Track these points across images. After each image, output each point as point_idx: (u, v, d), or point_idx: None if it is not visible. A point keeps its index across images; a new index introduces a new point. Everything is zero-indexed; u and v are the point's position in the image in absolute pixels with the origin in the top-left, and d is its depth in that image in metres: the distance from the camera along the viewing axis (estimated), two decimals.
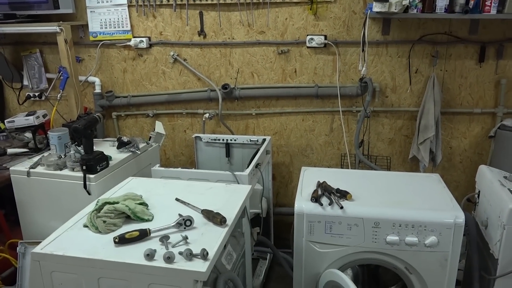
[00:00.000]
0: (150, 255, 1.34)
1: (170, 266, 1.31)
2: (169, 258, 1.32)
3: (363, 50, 2.50)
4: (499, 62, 2.55)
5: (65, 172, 2.14)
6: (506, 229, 1.65)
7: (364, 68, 2.45)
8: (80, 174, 2.09)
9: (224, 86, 2.90)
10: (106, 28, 3.03)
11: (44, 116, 2.76)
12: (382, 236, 1.71)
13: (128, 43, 3.00)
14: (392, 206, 1.75)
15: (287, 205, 3.17)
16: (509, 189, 1.76)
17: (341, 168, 2.92)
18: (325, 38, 2.70)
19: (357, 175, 2.12)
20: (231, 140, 2.86)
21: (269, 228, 2.93)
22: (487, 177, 1.91)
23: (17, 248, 2.12)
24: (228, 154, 2.90)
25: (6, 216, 2.51)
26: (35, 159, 2.31)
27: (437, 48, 2.60)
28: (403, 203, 1.77)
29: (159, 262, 1.33)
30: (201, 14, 2.85)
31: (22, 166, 2.23)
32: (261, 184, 2.58)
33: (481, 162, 2.75)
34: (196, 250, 1.36)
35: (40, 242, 2.11)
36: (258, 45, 2.84)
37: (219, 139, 2.87)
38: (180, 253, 1.36)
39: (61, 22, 2.80)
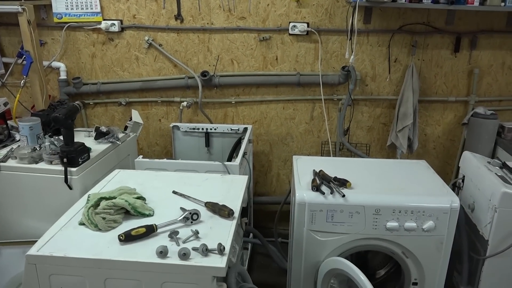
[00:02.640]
0: (163, 252, 1.26)
1: (186, 263, 1.24)
2: (185, 255, 1.25)
3: (350, 38, 2.50)
4: (472, 53, 2.67)
5: (42, 165, 1.96)
6: (498, 212, 1.73)
7: (352, 57, 2.46)
8: (59, 167, 1.93)
9: (203, 73, 2.80)
10: (72, 9, 2.80)
11: (5, 104, 2.50)
12: (382, 222, 1.74)
13: (97, 26, 2.79)
14: (391, 193, 1.78)
15: (266, 194, 3.15)
16: (496, 174, 1.85)
17: (321, 156, 2.94)
18: (308, 26, 2.68)
19: (349, 163, 2.14)
20: (211, 129, 2.78)
21: (249, 217, 2.90)
22: (473, 162, 2.00)
23: None
24: (207, 143, 2.82)
25: None
26: (3, 151, 2.10)
27: (416, 38, 2.67)
28: (401, 189, 1.81)
29: (173, 259, 1.25)
30: None
31: None
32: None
33: (453, 148, 2.89)
34: (208, 245, 1.30)
35: (16, 242, 1.95)
36: (239, 31, 2.76)
37: (198, 128, 2.78)
38: (195, 249, 1.29)
39: (23, 1, 2.55)
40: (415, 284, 1.84)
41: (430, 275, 1.81)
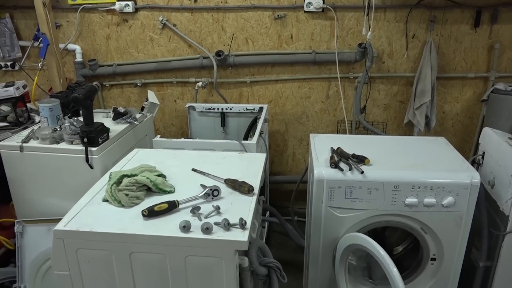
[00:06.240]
0: (186, 227, 1.28)
1: (209, 237, 1.26)
2: (207, 229, 1.27)
3: (367, 14, 2.46)
4: (493, 27, 2.60)
5: (63, 145, 2.00)
6: None
7: (369, 33, 2.42)
8: (80, 147, 1.96)
9: (218, 53, 2.79)
10: None
11: (24, 87, 2.54)
12: (401, 198, 1.73)
13: (111, 7, 2.79)
14: (410, 169, 1.77)
15: (282, 174, 3.17)
16: None
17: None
18: (323, 2, 2.63)
19: (367, 140, 2.13)
20: (226, 109, 2.78)
21: (266, 196, 2.93)
22: (494, 138, 1.97)
23: (15, 228, 1.99)
24: (223, 123, 2.82)
25: None
26: (25, 133, 2.14)
27: (434, 13, 2.60)
28: (420, 166, 1.80)
29: (196, 234, 1.28)
30: None
31: (12, 141, 2.06)
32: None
33: (471, 126, 2.85)
34: (230, 220, 1.31)
35: (40, 220, 2.01)
36: (253, 9, 2.73)
37: (213, 108, 2.79)
38: (217, 224, 1.31)
39: None
40: (433, 259, 1.85)
41: (449, 251, 1.81)
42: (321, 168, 1.77)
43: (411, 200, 1.73)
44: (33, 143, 2.04)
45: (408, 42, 2.69)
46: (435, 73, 2.62)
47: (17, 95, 2.48)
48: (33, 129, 2.16)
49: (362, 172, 1.73)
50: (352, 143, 2.00)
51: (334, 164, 1.78)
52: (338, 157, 1.85)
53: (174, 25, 2.82)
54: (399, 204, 1.75)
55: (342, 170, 1.75)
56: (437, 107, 2.78)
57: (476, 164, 2.12)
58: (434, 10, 2.60)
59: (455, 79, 2.76)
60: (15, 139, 2.07)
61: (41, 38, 2.62)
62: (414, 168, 1.78)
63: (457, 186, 1.70)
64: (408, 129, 2.89)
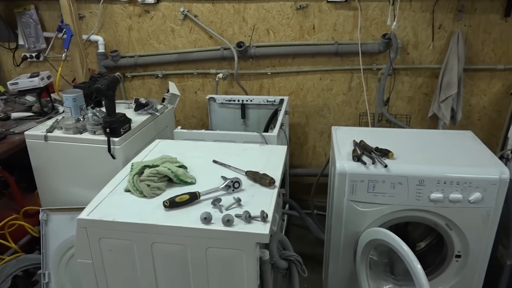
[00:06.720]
0: (207, 219, 1.28)
1: (230, 229, 1.26)
2: (228, 221, 1.27)
3: (392, 4, 2.39)
4: None
5: (86, 135, 2.02)
6: None
7: (394, 23, 2.35)
8: (103, 137, 1.98)
9: (239, 44, 2.77)
10: None
11: (48, 77, 2.58)
12: (426, 193, 1.69)
13: None
14: (435, 163, 1.72)
15: (302, 166, 3.14)
16: None
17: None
18: None
19: (390, 133, 2.08)
20: (247, 100, 2.76)
21: (286, 189, 2.91)
22: None
23: (40, 216, 2.03)
24: (243, 115, 2.81)
25: (17, 184, 2.39)
26: (49, 122, 2.18)
27: (463, 2, 2.51)
28: (445, 160, 1.74)
29: (217, 226, 1.27)
30: None
31: (37, 130, 2.10)
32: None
33: (499, 120, 2.76)
34: (251, 212, 1.30)
35: (64, 208, 2.04)
36: (275, 0, 2.69)
37: (234, 100, 2.78)
38: (238, 216, 1.30)
39: None
40: (458, 256, 1.80)
41: (475, 248, 1.76)
42: (343, 162, 1.74)
43: (436, 195, 1.68)
44: (57, 133, 2.07)
45: (434, 32, 2.60)
46: (462, 65, 2.53)
47: (41, 86, 2.53)
48: (57, 119, 2.19)
49: (386, 166, 1.69)
50: (375, 136, 1.96)
51: (357, 158, 1.75)
52: (361, 150, 1.82)
53: (195, 16, 2.81)
54: (423, 200, 1.70)
55: (365, 163, 1.72)
56: (463, 100, 2.69)
57: (504, 159, 2.05)
58: None
59: (483, 71, 2.66)
60: (40, 129, 2.11)
61: (65, 29, 2.64)
62: (439, 162, 1.73)
63: (485, 182, 1.65)
64: (432, 123, 2.82)
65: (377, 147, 1.82)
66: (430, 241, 2.11)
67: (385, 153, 1.77)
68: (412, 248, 2.09)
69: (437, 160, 1.75)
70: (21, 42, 3.08)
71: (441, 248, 1.89)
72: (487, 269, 1.82)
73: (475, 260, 1.78)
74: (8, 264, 2.06)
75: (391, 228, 1.88)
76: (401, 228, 2.14)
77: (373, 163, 1.72)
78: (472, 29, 2.58)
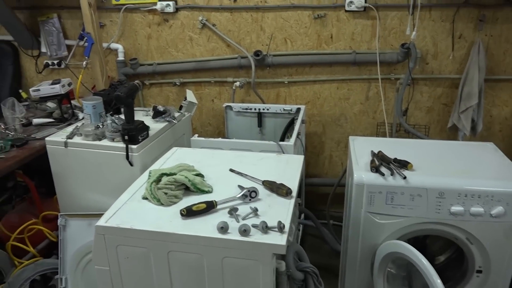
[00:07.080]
0: (224, 228, 1.28)
1: (247, 239, 1.25)
2: (245, 231, 1.26)
3: (412, 13, 2.37)
4: None
5: (105, 142, 2.05)
6: None
7: (414, 33, 2.33)
8: (121, 144, 2.00)
9: (256, 53, 2.78)
10: None
11: (69, 84, 2.63)
12: (446, 206, 1.65)
13: (153, 7, 2.84)
14: (456, 175, 1.69)
15: (318, 176, 3.12)
16: None
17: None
18: (365, 1, 2.56)
19: (409, 144, 2.05)
20: (263, 109, 2.77)
21: (301, 198, 2.89)
22: None
23: (58, 221, 2.05)
24: (260, 123, 2.81)
25: (36, 188, 2.43)
26: (69, 129, 2.22)
27: (484, 11, 2.48)
28: (466, 172, 1.71)
29: (234, 235, 1.27)
30: None
31: (57, 136, 2.14)
32: None
33: None
34: (268, 222, 1.29)
35: (82, 214, 2.07)
36: (293, 9, 2.70)
37: (250, 108, 2.78)
38: (255, 226, 1.29)
39: None
40: (479, 271, 1.75)
41: (497, 263, 1.71)
42: (361, 172, 1.72)
43: (456, 208, 1.65)
44: (76, 139, 2.10)
45: (454, 42, 2.57)
46: (483, 75, 2.49)
47: (62, 93, 2.58)
48: (77, 125, 2.23)
49: (405, 178, 1.67)
50: (393, 147, 1.93)
51: (375, 168, 1.72)
52: (379, 161, 1.79)
53: (214, 25, 2.83)
54: (443, 212, 1.67)
55: (383, 174, 1.70)
56: (484, 111, 2.64)
57: None
58: (483, 8, 2.47)
59: (505, 82, 2.61)
60: (60, 135, 2.15)
61: (86, 38, 2.70)
62: (460, 174, 1.70)
63: (507, 195, 1.61)
64: (452, 133, 2.77)
65: (395, 158, 1.80)
66: (450, 254, 2.06)
67: (404, 164, 1.74)
68: (431, 261, 2.05)
69: (457, 172, 1.72)
70: (43, 49, 3.15)
71: (461, 263, 1.84)
72: (510, 286, 1.77)
73: (497, 276, 1.73)
74: (26, 268, 2.09)
75: (409, 241, 1.85)
76: (420, 240, 2.10)
77: (391, 174, 1.70)
78: (494, 39, 2.54)
